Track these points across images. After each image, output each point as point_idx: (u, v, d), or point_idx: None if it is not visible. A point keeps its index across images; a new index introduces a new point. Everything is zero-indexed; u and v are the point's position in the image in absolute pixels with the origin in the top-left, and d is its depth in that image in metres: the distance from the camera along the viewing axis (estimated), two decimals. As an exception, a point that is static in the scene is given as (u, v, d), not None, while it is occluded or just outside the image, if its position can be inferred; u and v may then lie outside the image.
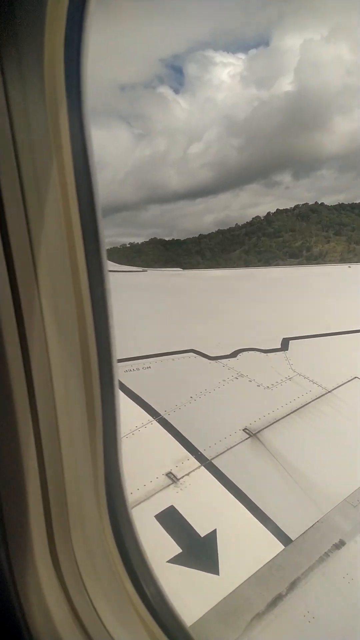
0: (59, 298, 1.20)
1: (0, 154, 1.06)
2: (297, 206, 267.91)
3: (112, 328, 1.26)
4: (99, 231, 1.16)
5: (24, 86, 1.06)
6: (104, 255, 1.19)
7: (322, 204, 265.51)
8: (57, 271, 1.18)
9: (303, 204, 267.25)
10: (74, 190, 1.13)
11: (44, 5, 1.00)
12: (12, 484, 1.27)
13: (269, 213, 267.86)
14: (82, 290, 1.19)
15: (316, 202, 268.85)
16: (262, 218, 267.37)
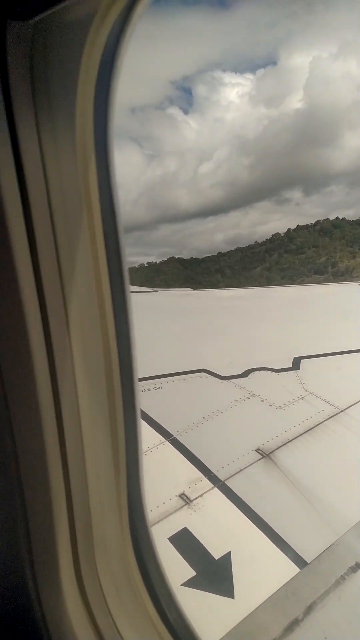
0: (85, 328, 1.24)
1: (35, 203, 1.11)
2: (318, 222, 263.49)
3: (136, 353, 1.29)
4: (124, 280, 1.23)
5: (56, 139, 1.11)
6: (130, 306, 1.25)
7: (343, 219, 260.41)
8: (84, 302, 1.23)
9: (324, 220, 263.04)
10: (102, 237, 1.19)
11: (79, 59, 1.05)
12: (40, 508, 1.29)
13: (289, 230, 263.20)
14: (107, 320, 1.24)
15: (337, 218, 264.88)
16: (282, 235, 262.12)
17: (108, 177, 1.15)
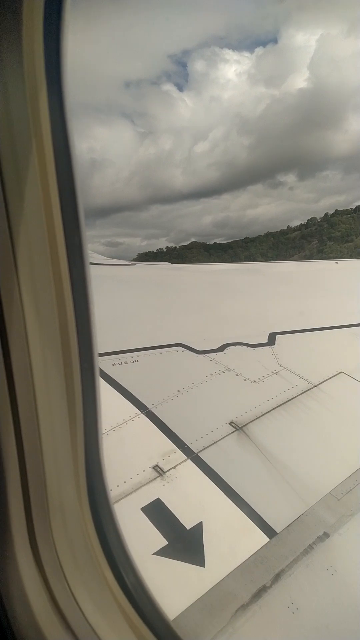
0: (38, 285, 1.19)
1: None
2: (358, 207, 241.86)
3: (93, 317, 1.25)
4: (80, 218, 1.15)
5: (2, 69, 1.04)
6: (85, 241, 1.18)
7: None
8: (37, 258, 1.17)
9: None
10: (55, 177, 1.11)
11: None
12: None
13: (326, 214, 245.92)
14: (62, 277, 1.18)
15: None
16: (319, 220, 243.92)
17: (62, 113, 1.07)
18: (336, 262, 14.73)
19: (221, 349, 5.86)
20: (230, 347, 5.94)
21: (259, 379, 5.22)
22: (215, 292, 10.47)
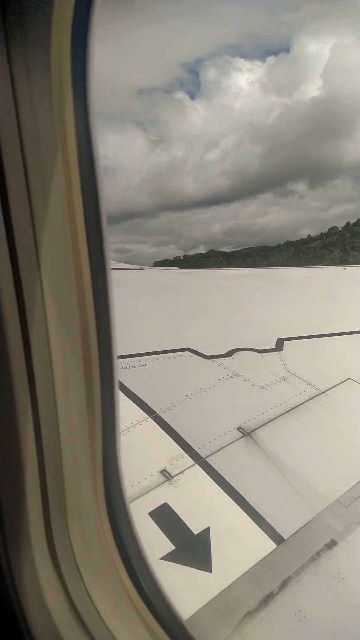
0: (60, 290, 1.21)
1: (6, 145, 1.07)
2: None
3: (114, 321, 1.26)
4: (102, 224, 1.17)
5: (30, 78, 1.06)
6: (107, 247, 1.20)
7: None
8: (59, 263, 1.19)
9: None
10: (78, 183, 1.13)
11: None
12: (10, 474, 1.28)
13: (348, 223, 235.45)
14: (84, 282, 1.20)
15: None
16: (341, 229, 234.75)
17: (87, 122, 1.09)
18: (344, 268, 14.69)
19: (229, 354, 5.87)
20: (238, 352, 5.95)
21: (266, 384, 5.22)
22: (224, 297, 10.47)
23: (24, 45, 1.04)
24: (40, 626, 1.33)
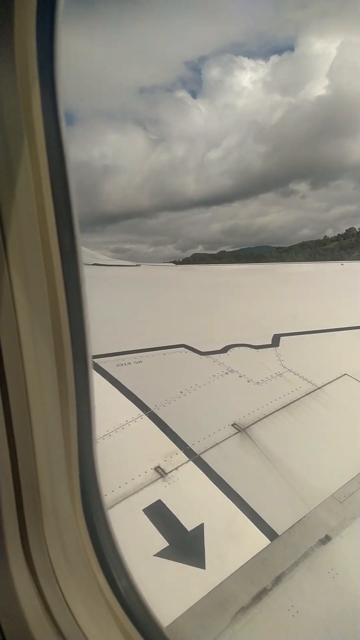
0: (30, 278, 1.19)
1: None
2: None
3: (87, 316, 1.24)
4: (72, 212, 1.15)
5: None
6: (78, 235, 1.17)
7: None
8: (29, 251, 1.17)
9: None
10: (47, 172, 1.11)
11: None
12: None
13: None
14: (55, 269, 1.18)
15: None
16: (358, 230, 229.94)
17: (55, 109, 1.06)
18: (342, 264, 14.70)
19: (224, 350, 5.86)
20: (234, 348, 5.94)
21: (262, 380, 5.21)
22: (219, 293, 10.46)
23: None
24: (14, 630, 1.31)
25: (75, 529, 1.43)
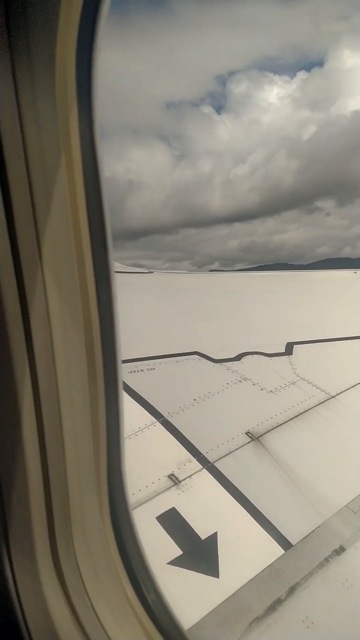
0: (64, 293, 1.21)
1: (10, 154, 1.07)
2: None
3: (118, 324, 1.26)
4: (106, 230, 1.17)
5: (35, 88, 1.07)
6: (111, 253, 1.20)
7: None
8: (63, 267, 1.19)
9: None
10: (82, 191, 1.14)
11: (57, 6, 1.01)
12: (14, 484, 1.28)
13: None
14: (88, 285, 1.20)
15: None
16: None
17: (91, 132, 1.10)
18: (355, 272, 14.61)
19: (238, 358, 5.85)
20: (247, 356, 5.93)
21: (275, 389, 5.20)
22: (233, 300, 10.46)
23: (28, 54, 1.04)
24: (43, 636, 1.33)
25: (104, 540, 1.44)
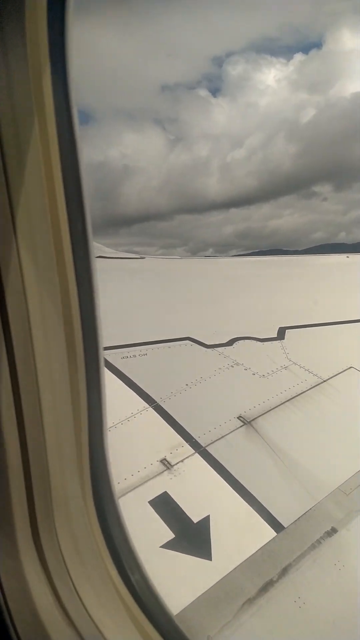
0: (40, 268, 1.18)
1: None
2: None
3: (98, 310, 1.24)
4: (84, 199, 1.14)
5: (5, 49, 1.04)
6: (89, 223, 1.17)
7: None
8: (39, 241, 1.16)
9: None
10: (58, 158, 1.11)
11: None
12: None
13: None
14: (66, 259, 1.17)
15: None
16: None
17: (66, 94, 1.07)
18: (347, 257, 14.62)
19: (230, 343, 5.85)
20: (240, 341, 5.93)
21: (267, 373, 5.21)
22: (225, 285, 10.44)
23: None
24: (26, 621, 1.32)
25: (87, 520, 1.43)
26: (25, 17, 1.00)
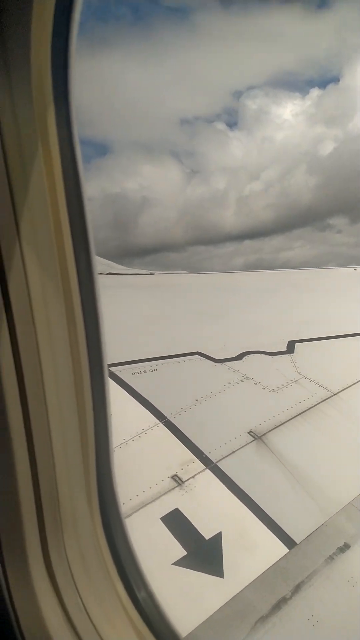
0: (47, 289, 1.21)
1: None
2: None
3: (103, 328, 1.27)
4: (87, 226, 1.18)
5: (11, 88, 1.08)
6: (93, 250, 1.21)
7: None
8: (43, 246, 1.20)
9: None
10: (63, 190, 1.15)
11: (30, 7, 1.02)
12: (4, 488, 1.28)
13: None
14: (72, 284, 1.21)
15: None
16: None
17: (69, 129, 1.12)
18: (355, 269, 14.59)
19: (239, 357, 5.85)
20: (249, 355, 5.93)
21: (278, 387, 5.20)
22: (233, 300, 10.45)
23: (4, 59, 1.05)
24: (35, 636, 1.33)
25: (94, 539, 1.44)
26: (31, 55, 1.04)
